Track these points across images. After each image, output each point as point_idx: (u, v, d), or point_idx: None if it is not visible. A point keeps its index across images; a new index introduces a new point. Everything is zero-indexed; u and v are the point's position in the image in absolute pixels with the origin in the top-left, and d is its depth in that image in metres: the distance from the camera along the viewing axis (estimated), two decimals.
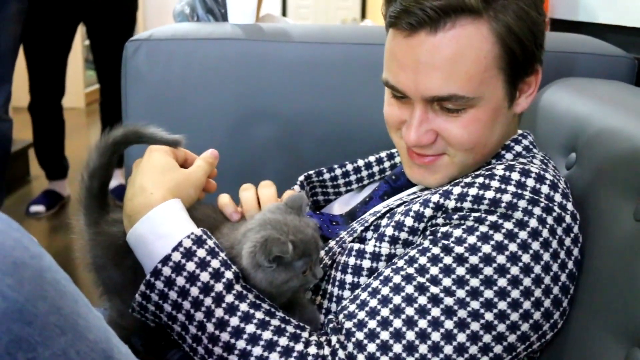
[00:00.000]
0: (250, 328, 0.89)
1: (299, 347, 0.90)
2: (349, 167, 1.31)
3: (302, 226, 0.92)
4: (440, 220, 0.98)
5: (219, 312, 0.90)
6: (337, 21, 8.28)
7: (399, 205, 1.05)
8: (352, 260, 1.01)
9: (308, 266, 0.91)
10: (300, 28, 1.73)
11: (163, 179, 0.98)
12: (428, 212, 0.99)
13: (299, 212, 0.96)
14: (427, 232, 0.99)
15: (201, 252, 0.92)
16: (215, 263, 0.92)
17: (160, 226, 0.94)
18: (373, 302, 0.93)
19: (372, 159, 1.32)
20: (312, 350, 0.90)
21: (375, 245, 1.01)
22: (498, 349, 0.90)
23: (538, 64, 1.05)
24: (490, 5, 0.96)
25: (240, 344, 0.89)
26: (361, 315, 0.92)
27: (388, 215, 1.05)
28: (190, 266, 0.91)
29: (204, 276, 0.91)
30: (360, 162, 1.32)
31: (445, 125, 1.01)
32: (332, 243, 1.08)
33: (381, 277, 0.96)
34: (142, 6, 7.36)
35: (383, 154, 1.32)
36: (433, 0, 0.94)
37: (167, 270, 0.91)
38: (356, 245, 1.03)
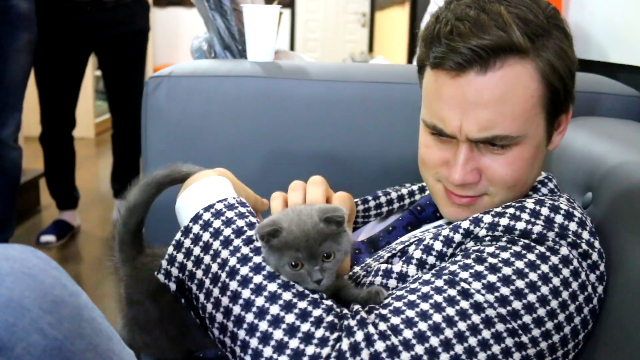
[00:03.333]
0: (258, 278, 0.88)
1: (317, 312, 0.87)
2: (383, 199, 1.31)
3: (307, 223, 0.90)
4: (470, 244, 0.99)
5: (232, 261, 0.90)
6: (344, 54, 8.34)
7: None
8: (378, 280, 1.01)
9: (299, 261, 0.88)
10: (317, 66, 1.76)
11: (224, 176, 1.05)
12: (457, 237, 1.00)
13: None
14: (457, 252, 0.99)
15: (230, 214, 0.95)
16: (240, 223, 0.94)
17: (203, 191, 1.00)
18: (406, 309, 0.91)
19: (404, 191, 1.31)
20: (330, 317, 0.87)
21: (402, 267, 1.01)
22: (517, 356, 0.90)
23: (571, 102, 1.07)
24: (534, 44, 0.97)
25: (246, 293, 0.88)
26: (395, 319, 0.90)
27: (416, 242, 1.05)
28: (217, 224, 0.94)
29: (227, 231, 0.93)
30: (393, 195, 1.31)
31: (490, 163, 1.02)
32: (357, 268, 1.07)
33: (412, 286, 0.94)
34: (151, 39, 7.43)
35: (415, 187, 1.32)
36: (480, 39, 0.95)
37: (196, 228, 0.95)
38: (383, 266, 1.02)
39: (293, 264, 0.88)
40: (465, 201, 1.05)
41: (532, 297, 0.91)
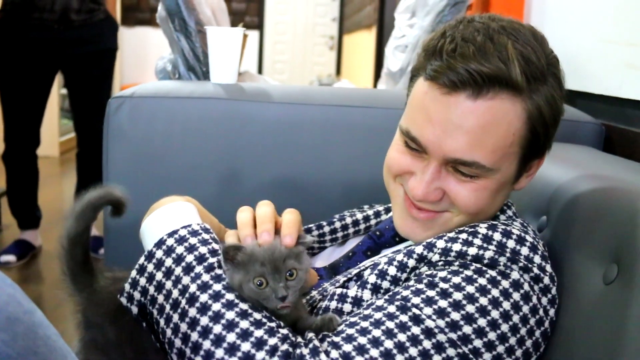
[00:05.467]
0: (216, 306, 0.89)
1: (273, 341, 0.88)
2: (337, 224, 1.32)
3: (272, 241, 0.94)
4: (424, 269, 0.99)
5: (192, 288, 0.91)
6: (312, 77, 8.39)
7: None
8: (333, 304, 1.01)
9: (264, 277, 0.90)
10: (281, 89, 1.77)
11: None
12: (411, 262, 1.00)
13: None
14: (411, 276, 1.00)
15: (193, 240, 0.96)
16: (203, 249, 0.95)
17: (168, 216, 1.01)
18: (358, 335, 0.92)
19: (359, 216, 1.32)
20: (284, 346, 0.88)
21: (357, 291, 1.02)
22: None
23: (548, 150, 1.08)
24: (530, 85, 0.98)
25: (204, 320, 0.89)
26: (347, 346, 0.90)
27: (371, 267, 1.05)
28: (180, 250, 0.95)
29: (189, 258, 0.94)
30: (348, 220, 1.32)
31: (455, 187, 1.02)
32: (313, 292, 1.08)
33: (364, 313, 0.95)
34: (119, 58, 7.41)
35: (370, 212, 1.33)
36: (480, 65, 0.95)
37: (159, 253, 0.96)
38: (338, 290, 1.03)
39: (258, 283, 0.90)
40: (423, 216, 1.06)
41: (482, 322, 0.92)
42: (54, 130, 6.08)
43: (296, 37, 8.90)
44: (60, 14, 3.27)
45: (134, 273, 0.96)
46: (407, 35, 2.52)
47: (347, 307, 1.01)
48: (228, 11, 2.27)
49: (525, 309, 0.95)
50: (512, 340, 0.93)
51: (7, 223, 3.88)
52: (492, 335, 0.92)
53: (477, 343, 0.91)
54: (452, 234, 1.02)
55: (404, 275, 1.01)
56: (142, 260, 0.97)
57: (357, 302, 1.01)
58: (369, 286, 1.02)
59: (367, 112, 1.65)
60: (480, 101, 0.97)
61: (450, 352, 0.90)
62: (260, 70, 8.73)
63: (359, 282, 1.04)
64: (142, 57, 8.07)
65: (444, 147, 0.99)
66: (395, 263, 1.01)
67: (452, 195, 1.03)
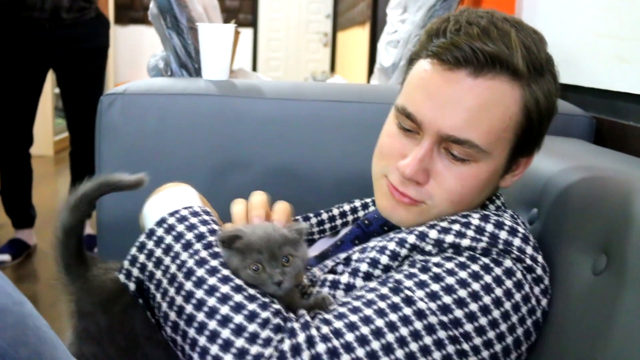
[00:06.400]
0: (212, 280, 0.91)
1: (265, 314, 0.89)
2: (324, 215, 1.33)
3: (266, 227, 0.96)
4: (418, 257, 1.00)
5: (190, 263, 0.93)
6: (306, 73, 8.39)
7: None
8: (325, 290, 1.02)
9: (261, 264, 0.92)
10: (272, 85, 1.77)
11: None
12: (404, 252, 1.01)
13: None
14: (404, 264, 1.01)
15: (193, 220, 0.98)
16: (202, 229, 0.97)
17: (170, 198, 1.04)
18: (349, 314, 0.93)
19: (346, 207, 1.34)
20: (276, 320, 0.89)
21: (349, 279, 1.03)
22: None
23: (537, 148, 1.09)
24: (530, 73, 1.00)
25: (199, 293, 0.90)
26: (338, 323, 0.92)
27: (360, 250, 1.06)
28: (180, 228, 0.97)
29: (189, 235, 0.96)
30: (336, 211, 1.33)
31: (443, 170, 1.02)
32: (304, 280, 1.08)
33: (357, 294, 0.97)
34: (113, 57, 7.42)
35: (357, 203, 1.34)
36: (484, 44, 0.97)
37: (160, 231, 0.98)
38: (330, 276, 1.04)
39: (254, 268, 0.92)
40: (405, 201, 1.06)
41: (473, 307, 0.93)
42: (48, 130, 6.07)
43: (290, 35, 8.90)
44: (50, 13, 3.27)
45: (133, 250, 0.98)
46: (399, 30, 2.52)
47: (339, 294, 1.02)
48: (221, 9, 2.28)
49: (517, 296, 0.96)
50: (503, 327, 0.94)
51: (2, 222, 3.87)
52: (483, 321, 0.93)
53: (468, 327, 0.92)
54: (444, 224, 1.02)
55: (396, 264, 1.01)
56: (142, 237, 0.99)
57: (350, 289, 1.02)
58: (360, 274, 1.02)
59: (359, 108, 1.65)
60: (481, 80, 0.98)
61: (441, 334, 0.91)
62: (254, 68, 8.72)
63: (350, 269, 1.04)
64: (135, 56, 8.05)
65: (439, 122, 1.00)
66: (387, 252, 1.02)
67: (439, 179, 1.03)
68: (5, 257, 3.41)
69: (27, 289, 3.05)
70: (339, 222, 1.33)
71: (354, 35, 7.11)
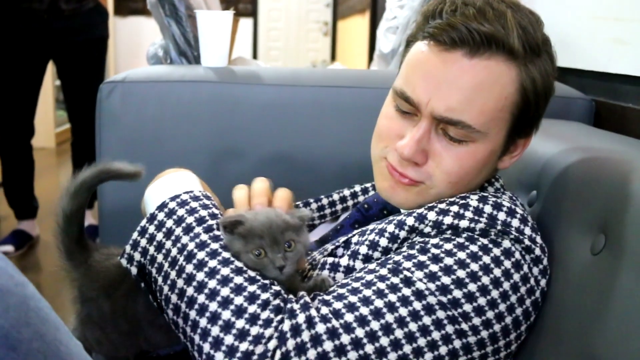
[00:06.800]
0: (213, 263, 0.92)
1: (265, 295, 0.90)
2: (325, 201, 1.34)
3: (268, 213, 0.96)
4: (417, 238, 1.00)
5: (191, 246, 0.93)
6: (307, 63, 8.38)
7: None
8: (325, 273, 1.03)
9: (262, 249, 0.93)
10: (271, 71, 1.77)
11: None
12: (403, 234, 1.01)
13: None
14: (403, 246, 1.01)
15: (194, 204, 0.99)
16: (203, 212, 0.98)
17: (171, 183, 1.04)
18: (348, 295, 0.93)
19: (346, 193, 1.34)
20: (276, 301, 0.90)
21: (349, 261, 1.03)
22: (457, 343, 0.92)
23: (535, 129, 1.09)
24: (526, 53, 1.00)
25: (200, 275, 0.91)
26: (337, 303, 0.92)
27: (359, 232, 1.07)
28: (181, 212, 0.98)
29: (190, 219, 0.96)
30: (336, 197, 1.34)
31: (441, 151, 1.03)
32: (305, 265, 1.09)
33: (356, 275, 0.97)
34: (113, 48, 7.41)
35: (357, 188, 1.34)
36: (480, 25, 0.98)
37: (161, 215, 0.98)
38: (330, 259, 1.05)
39: (257, 253, 0.93)
40: (405, 181, 1.07)
41: (472, 287, 0.93)
42: (50, 122, 6.08)
43: (290, 24, 8.87)
44: (49, 4, 3.27)
45: (135, 234, 0.99)
46: (398, 16, 2.52)
47: (339, 276, 1.03)
48: None
49: (516, 277, 0.96)
50: (502, 307, 0.95)
51: (4, 214, 3.89)
52: (481, 301, 0.93)
53: (467, 307, 0.92)
54: (443, 205, 1.02)
55: (395, 246, 1.02)
56: (144, 222, 0.99)
57: (349, 271, 1.03)
58: (360, 257, 1.03)
59: (358, 93, 1.65)
60: (477, 60, 0.99)
61: (440, 314, 0.91)
62: (254, 58, 8.70)
63: (349, 252, 1.05)
64: (135, 47, 8.03)
65: (434, 102, 1.00)
66: (386, 234, 1.02)
67: (437, 160, 1.04)
68: (8, 248, 3.43)
69: (30, 280, 3.03)
70: (339, 207, 1.33)
71: (354, 24, 7.09)
